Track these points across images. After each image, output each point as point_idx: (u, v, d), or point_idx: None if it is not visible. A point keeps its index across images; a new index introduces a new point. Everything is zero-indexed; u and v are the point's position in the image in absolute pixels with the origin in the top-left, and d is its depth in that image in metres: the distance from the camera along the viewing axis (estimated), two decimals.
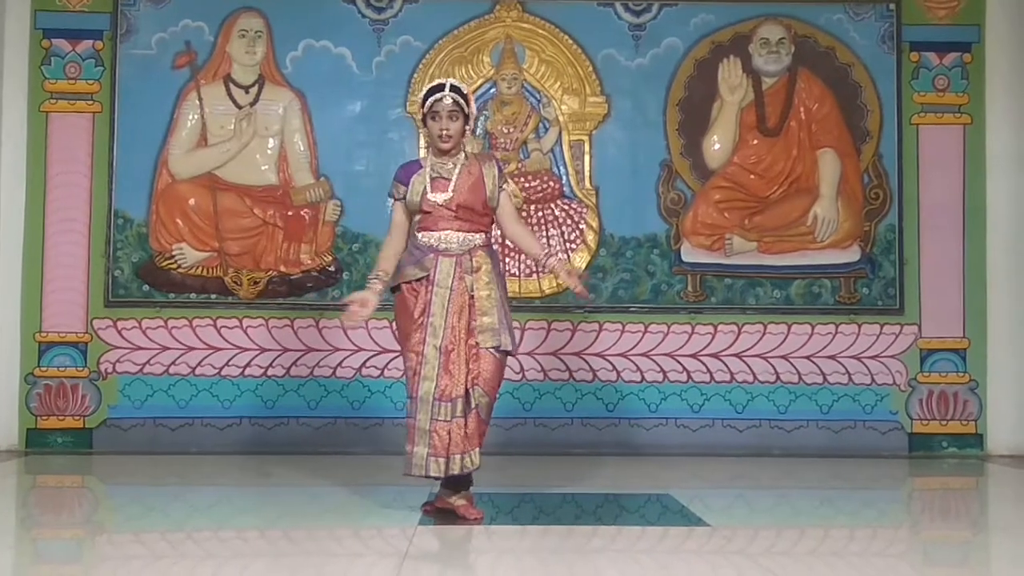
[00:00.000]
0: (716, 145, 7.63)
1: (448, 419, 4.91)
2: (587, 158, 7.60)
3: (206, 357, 7.43)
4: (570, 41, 7.64)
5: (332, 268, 7.53)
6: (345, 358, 7.44)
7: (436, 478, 4.98)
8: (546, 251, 5.31)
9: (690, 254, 7.57)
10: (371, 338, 7.43)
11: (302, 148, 7.58)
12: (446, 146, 5.07)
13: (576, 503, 5.66)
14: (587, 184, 7.59)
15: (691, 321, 7.52)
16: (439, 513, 5.06)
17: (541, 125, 7.63)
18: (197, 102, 7.54)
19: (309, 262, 7.53)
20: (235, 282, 7.49)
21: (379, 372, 7.42)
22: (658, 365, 7.50)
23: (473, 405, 4.96)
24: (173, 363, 7.42)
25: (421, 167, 5.14)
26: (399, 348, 7.19)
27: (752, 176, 7.61)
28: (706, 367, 7.51)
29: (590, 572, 4.28)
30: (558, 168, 7.60)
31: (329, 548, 4.65)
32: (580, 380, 7.48)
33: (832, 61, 7.64)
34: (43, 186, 7.42)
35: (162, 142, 7.49)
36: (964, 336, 7.52)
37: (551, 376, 7.47)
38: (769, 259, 7.57)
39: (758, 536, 4.90)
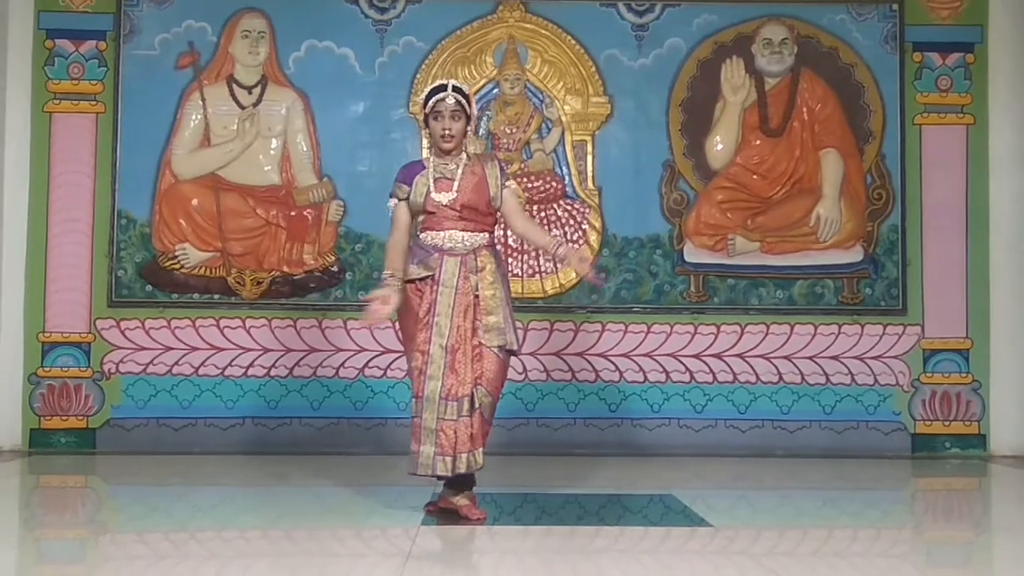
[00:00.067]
0: (719, 145, 7.63)
1: (455, 418, 4.92)
2: (590, 158, 7.60)
3: (209, 357, 7.44)
4: (573, 41, 7.64)
5: (335, 268, 7.53)
6: (348, 358, 7.45)
7: (443, 477, 4.98)
8: (556, 241, 5.32)
9: (693, 254, 7.57)
10: (374, 338, 7.44)
11: (305, 148, 7.58)
12: (448, 146, 5.08)
13: (579, 503, 5.66)
14: (590, 184, 7.59)
15: (694, 321, 7.52)
16: (442, 513, 5.06)
17: (544, 125, 7.63)
18: (200, 102, 7.54)
19: (312, 262, 7.54)
20: (238, 282, 7.50)
21: (382, 372, 7.43)
22: (661, 365, 7.50)
23: (476, 405, 4.96)
24: (176, 363, 7.42)
25: (424, 167, 5.14)
26: (402, 348, 7.27)
27: (755, 176, 7.61)
28: (709, 367, 7.51)
29: (593, 572, 4.28)
30: (561, 168, 7.60)
31: (332, 548, 4.65)
32: (583, 380, 7.48)
33: (835, 61, 7.64)
34: (46, 186, 7.43)
35: (165, 142, 7.50)
36: (967, 336, 7.52)
37: (554, 376, 7.48)
38: (772, 259, 7.57)
39: (761, 537, 4.90)
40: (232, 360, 7.44)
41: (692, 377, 7.49)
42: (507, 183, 5.17)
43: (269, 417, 7.41)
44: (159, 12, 7.54)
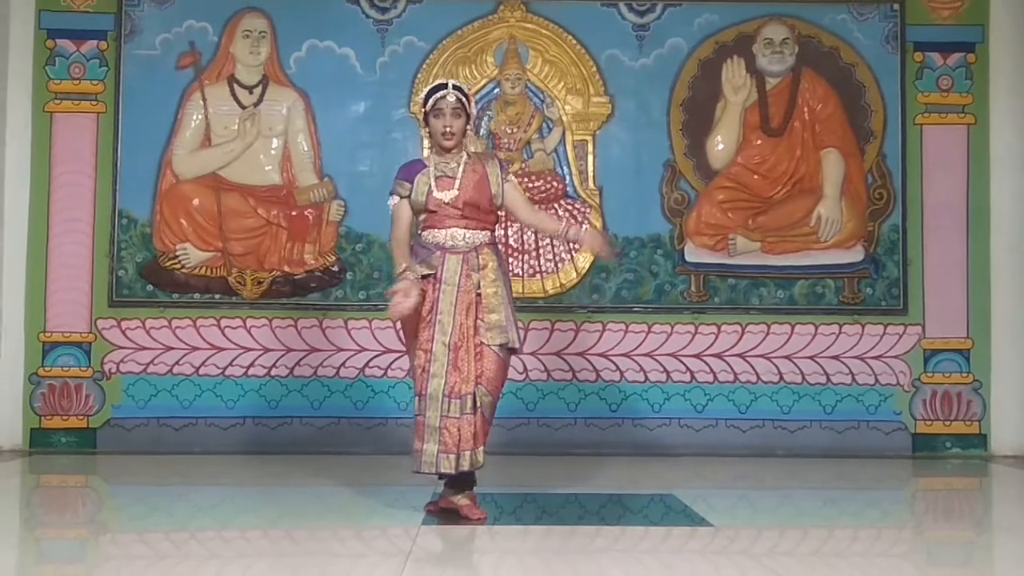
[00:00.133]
0: (720, 145, 7.63)
1: (458, 415, 4.93)
2: (591, 158, 7.60)
3: (210, 357, 7.44)
4: (574, 41, 7.64)
5: (336, 268, 7.53)
6: (348, 358, 7.45)
7: (446, 475, 4.98)
8: (565, 224, 5.32)
9: (694, 254, 7.57)
10: (374, 338, 7.44)
11: (306, 148, 7.58)
12: (450, 143, 5.09)
13: (579, 503, 5.66)
14: (591, 184, 7.59)
15: (694, 321, 7.52)
16: (443, 513, 5.06)
17: (545, 125, 7.63)
18: (201, 102, 7.54)
19: (313, 262, 7.54)
20: (239, 282, 7.50)
21: (382, 372, 7.43)
22: (661, 365, 7.50)
23: (477, 405, 4.97)
24: (177, 363, 7.42)
25: (424, 166, 5.15)
26: (402, 348, 7.27)
27: (756, 176, 7.61)
28: (709, 367, 7.51)
29: (593, 572, 4.28)
30: (561, 168, 7.60)
31: (332, 548, 4.65)
32: (583, 380, 7.48)
33: (836, 61, 7.64)
34: (47, 186, 7.43)
35: (166, 142, 7.50)
36: (968, 336, 7.51)
37: (554, 376, 7.48)
38: (773, 259, 7.57)
39: (761, 536, 4.90)
40: (233, 360, 7.44)
41: (693, 377, 7.49)
42: (508, 177, 5.18)
43: (270, 417, 7.41)
44: (160, 12, 7.54)
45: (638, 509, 5.67)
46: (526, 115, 7.62)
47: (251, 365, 7.44)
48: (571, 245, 7.40)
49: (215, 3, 7.58)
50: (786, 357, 7.51)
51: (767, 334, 7.52)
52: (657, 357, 7.50)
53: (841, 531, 5.15)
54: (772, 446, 7.42)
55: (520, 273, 7.47)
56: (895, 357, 7.52)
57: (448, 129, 5.07)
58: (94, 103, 7.49)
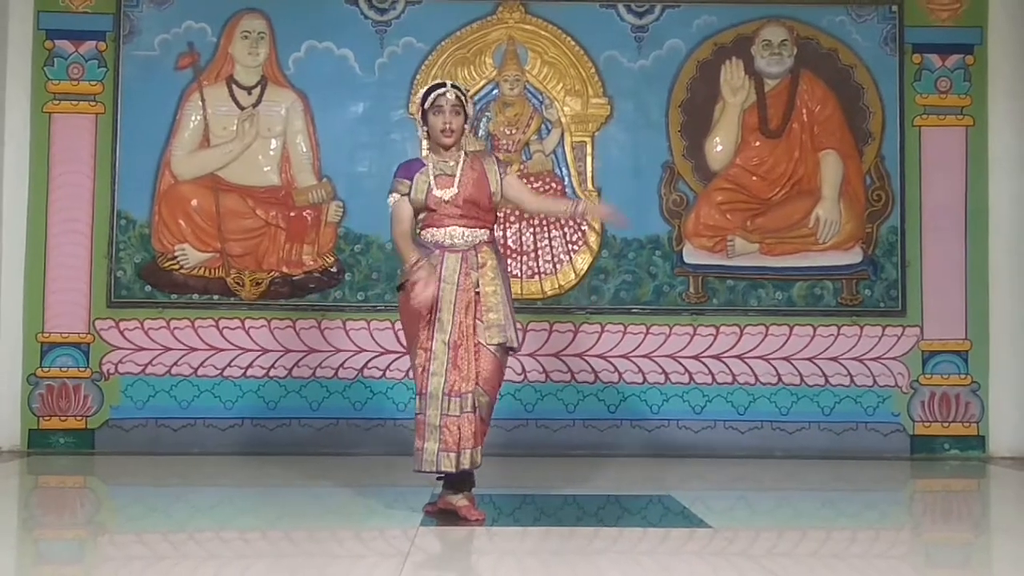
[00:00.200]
0: (718, 147, 7.63)
1: (458, 414, 4.93)
2: (589, 159, 7.60)
3: (208, 358, 7.44)
4: (572, 43, 7.64)
5: (334, 269, 7.53)
6: (347, 359, 7.45)
7: (447, 473, 4.98)
8: (573, 203, 5.32)
9: (692, 256, 7.57)
10: (373, 339, 7.44)
11: (304, 149, 7.58)
12: (449, 141, 5.10)
13: (578, 504, 5.66)
14: (589, 185, 7.59)
15: (693, 323, 7.52)
16: (441, 514, 5.06)
17: (543, 127, 7.63)
18: (200, 103, 7.54)
19: (311, 263, 7.54)
20: (237, 283, 7.50)
21: (381, 373, 7.43)
22: (660, 366, 7.50)
23: (475, 404, 4.97)
24: (175, 364, 7.42)
25: (423, 165, 5.15)
26: (401, 349, 7.28)
27: (754, 178, 7.62)
28: (708, 369, 7.51)
29: (592, 573, 4.28)
30: (560, 170, 7.60)
31: (331, 549, 4.65)
32: (582, 381, 7.48)
33: (834, 63, 7.64)
34: (46, 187, 7.43)
35: (165, 143, 7.50)
36: (966, 338, 7.52)
37: (553, 377, 7.48)
38: (771, 261, 7.57)
39: (760, 538, 4.90)
40: (231, 361, 7.44)
41: (691, 378, 7.49)
42: (506, 171, 5.19)
43: (268, 418, 7.41)
44: (159, 13, 7.54)
45: (636, 510, 5.67)
46: (525, 116, 7.62)
47: (250, 366, 7.43)
48: (579, 226, 7.42)
49: (214, 4, 7.58)
50: (784, 358, 7.51)
51: (765, 335, 7.52)
52: (655, 358, 7.50)
53: (839, 532, 5.15)
54: (770, 447, 7.43)
55: (519, 274, 7.48)
56: (893, 359, 7.52)
57: (448, 126, 5.08)
58: (93, 104, 7.49)
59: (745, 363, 7.51)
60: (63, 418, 7.36)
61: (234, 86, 7.58)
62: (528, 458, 7.18)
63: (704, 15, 7.64)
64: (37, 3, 7.48)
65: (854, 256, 7.58)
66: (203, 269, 7.50)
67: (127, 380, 7.41)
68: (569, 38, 7.64)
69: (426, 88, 5.22)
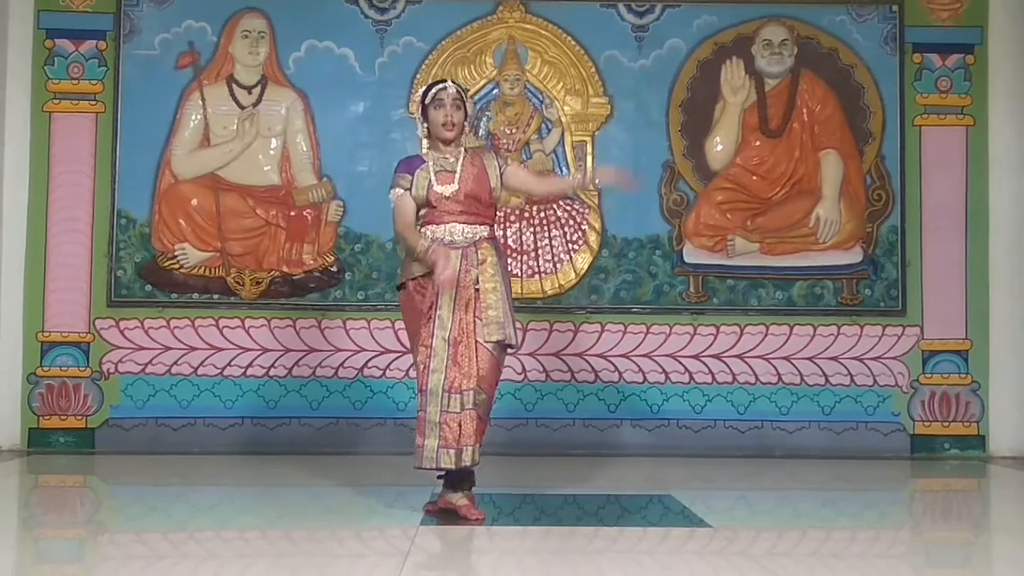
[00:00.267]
0: (718, 146, 7.63)
1: (458, 411, 4.92)
2: (589, 159, 7.59)
3: (208, 357, 7.44)
4: (573, 42, 7.64)
5: (334, 268, 7.53)
6: (347, 358, 7.45)
7: (447, 470, 4.97)
8: (579, 177, 5.31)
9: (692, 255, 7.57)
10: (373, 338, 7.44)
11: (305, 148, 7.58)
12: (450, 135, 5.11)
13: (578, 504, 5.66)
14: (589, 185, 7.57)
15: (693, 322, 7.52)
16: (441, 513, 5.06)
17: (544, 126, 7.63)
18: (200, 102, 7.54)
19: (311, 262, 7.54)
20: (237, 282, 7.50)
21: (381, 372, 7.43)
22: (660, 366, 7.50)
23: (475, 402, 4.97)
24: (175, 363, 7.42)
25: (424, 162, 5.16)
26: (401, 348, 7.29)
27: (754, 177, 7.62)
28: (708, 368, 7.51)
29: (592, 573, 4.28)
30: (560, 169, 7.59)
31: (331, 548, 4.65)
32: (582, 381, 7.48)
33: (835, 62, 7.64)
34: (46, 186, 7.43)
35: (165, 142, 7.50)
36: (966, 338, 7.52)
37: (553, 377, 7.47)
38: (771, 260, 7.57)
39: (760, 537, 4.90)
40: (231, 360, 7.44)
41: (691, 378, 7.49)
42: (506, 164, 5.21)
43: (268, 417, 7.41)
44: (159, 12, 7.54)
45: (636, 510, 5.67)
46: (525, 116, 7.62)
47: (250, 365, 7.43)
48: (579, 225, 7.42)
49: (214, 3, 7.58)
50: (785, 358, 7.51)
51: (766, 335, 7.52)
52: (656, 358, 7.50)
53: (839, 532, 5.15)
54: (770, 447, 7.42)
55: (519, 274, 7.47)
56: (894, 358, 7.52)
57: (449, 119, 5.10)
58: (93, 103, 7.49)
59: (745, 363, 7.51)
60: (63, 417, 7.37)
61: (234, 85, 7.58)
62: (528, 457, 7.18)
63: (704, 15, 7.63)
64: (37, 2, 7.48)
65: (854, 256, 7.58)
66: (203, 268, 7.50)
67: (127, 379, 7.41)
68: (569, 37, 7.64)
69: (424, 88, 5.25)
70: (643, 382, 7.48)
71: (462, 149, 5.18)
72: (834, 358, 7.52)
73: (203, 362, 7.43)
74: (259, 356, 7.44)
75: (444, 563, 4.44)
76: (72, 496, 6.32)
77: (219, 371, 7.42)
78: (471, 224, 5.07)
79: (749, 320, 7.53)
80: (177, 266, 7.48)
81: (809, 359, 7.51)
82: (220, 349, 7.44)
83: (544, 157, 7.58)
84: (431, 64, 7.58)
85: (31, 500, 6.07)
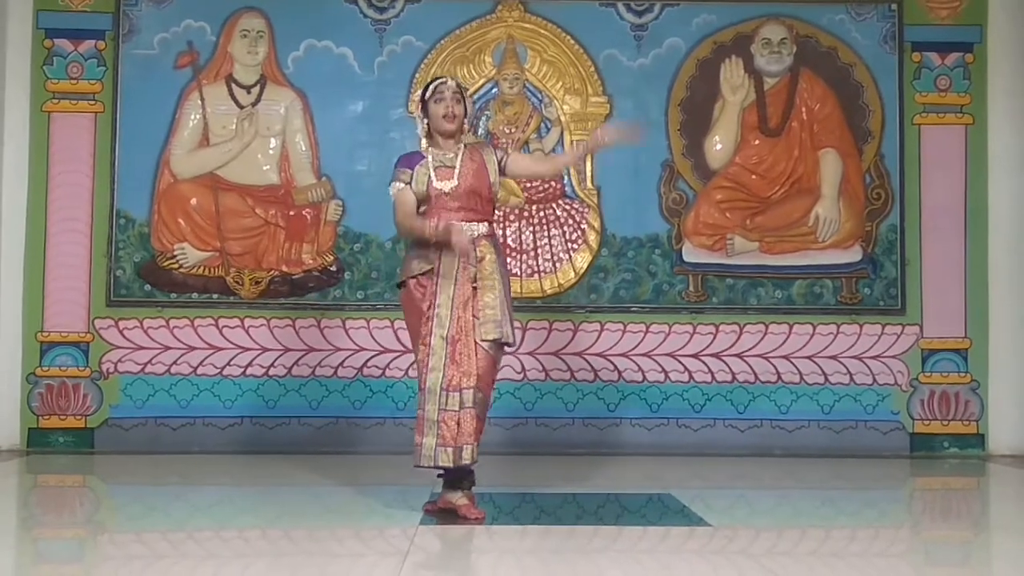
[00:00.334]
0: (718, 145, 7.63)
1: (456, 409, 4.92)
2: (589, 158, 7.59)
3: (208, 357, 7.43)
4: (572, 41, 7.64)
5: (334, 268, 7.53)
6: (347, 358, 7.45)
7: (445, 468, 4.97)
8: (582, 144, 5.29)
9: (692, 254, 7.57)
10: (372, 338, 7.44)
11: (304, 148, 7.58)
12: (451, 127, 5.11)
13: (577, 503, 5.66)
14: (588, 184, 7.59)
15: (693, 321, 7.52)
16: (441, 513, 5.06)
17: (543, 125, 7.63)
18: (199, 102, 7.54)
19: (311, 262, 7.54)
20: (237, 282, 7.50)
21: (380, 372, 7.43)
22: (660, 365, 7.50)
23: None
24: (175, 363, 7.42)
25: (423, 158, 5.16)
26: (400, 348, 7.29)
27: (754, 176, 7.62)
28: (707, 367, 7.51)
29: (592, 572, 4.28)
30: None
31: (330, 548, 4.65)
32: (581, 380, 7.48)
33: (834, 61, 7.64)
34: (45, 186, 7.43)
35: (164, 142, 7.50)
36: (966, 336, 7.52)
37: (552, 376, 7.47)
38: (771, 259, 7.57)
39: (759, 536, 4.90)
40: (230, 360, 7.43)
41: (691, 377, 7.50)
42: (507, 154, 5.23)
43: (267, 416, 7.41)
44: (158, 11, 7.54)
45: (636, 509, 5.67)
46: (524, 115, 7.62)
47: (249, 365, 7.43)
48: (579, 224, 7.41)
49: (213, 3, 7.58)
50: (784, 357, 7.51)
51: (765, 334, 7.52)
52: (655, 357, 7.50)
53: (839, 531, 5.15)
54: (770, 446, 7.43)
55: (518, 273, 7.47)
56: (893, 357, 7.52)
57: (449, 111, 5.10)
58: (92, 103, 7.49)
59: (744, 361, 7.51)
60: (63, 417, 7.37)
61: (233, 85, 7.58)
62: (528, 456, 7.18)
63: (703, 13, 7.63)
64: (36, 2, 7.48)
65: (853, 254, 7.58)
66: (202, 268, 7.50)
67: (126, 379, 7.41)
68: (568, 37, 7.64)
69: (424, 86, 5.26)
70: (642, 381, 7.48)
71: (462, 145, 5.18)
72: (833, 357, 7.52)
73: (202, 362, 7.43)
74: (258, 356, 7.44)
75: (444, 562, 4.44)
76: (71, 496, 6.32)
77: (218, 371, 7.42)
78: (469, 222, 5.07)
79: (748, 319, 7.53)
80: (176, 266, 7.48)
81: (808, 358, 7.51)
82: (219, 349, 7.44)
83: (543, 156, 7.57)
84: (430, 63, 7.58)
85: (31, 500, 6.07)
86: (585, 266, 7.54)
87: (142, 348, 7.42)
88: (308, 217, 7.55)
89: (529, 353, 7.38)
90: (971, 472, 7.05)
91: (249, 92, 7.58)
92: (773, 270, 7.57)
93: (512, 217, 7.55)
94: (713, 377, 7.50)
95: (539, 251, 7.55)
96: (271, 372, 7.43)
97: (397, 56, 7.59)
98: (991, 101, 7.60)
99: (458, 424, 4.92)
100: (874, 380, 7.50)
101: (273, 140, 7.57)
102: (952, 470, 7.14)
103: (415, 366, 5.12)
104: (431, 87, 5.18)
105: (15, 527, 5.12)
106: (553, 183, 7.56)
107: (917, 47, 7.63)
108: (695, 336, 7.52)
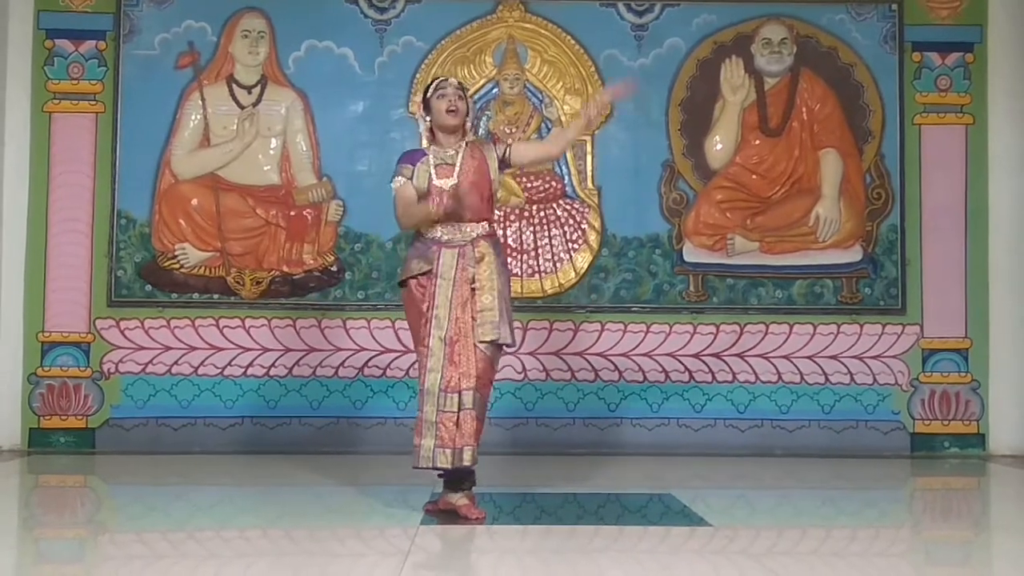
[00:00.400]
0: (718, 145, 7.63)
1: (455, 410, 4.92)
2: (589, 158, 7.60)
3: (208, 357, 7.44)
4: (572, 41, 7.65)
5: (334, 268, 7.54)
6: (347, 358, 7.45)
7: (444, 469, 4.97)
8: (583, 115, 5.27)
9: (692, 254, 7.57)
10: (373, 338, 7.45)
11: (304, 148, 7.59)
12: (454, 122, 5.11)
13: (578, 503, 5.67)
14: (589, 184, 7.59)
15: (693, 321, 7.52)
16: (441, 513, 5.06)
17: (543, 125, 7.63)
18: (200, 102, 7.55)
19: (311, 262, 7.54)
20: (237, 282, 7.50)
21: (381, 372, 7.43)
22: (660, 365, 7.50)
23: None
24: (175, 363, 7.43)
25: (425, 155, 5.17)
26: (401, 348, 7.30)
27: (754, 176, 7.62)
28: (708, 367, 7.51)
29: (592, 572, 4.28)
30: (560, 168, 7.60)
31: (331, 548, 4.65)
32: (582, 380, 7.48)
33: (834, 61, 7.64)
34: (46, 186, 7.43)
35: (165, 142, 7.50)
36: (966, 336, 7.52)
37: (553, 376, 7.48)
38: (771, 259, 7.58)
39: (760, 536, 4.90)
40: (231, 360, 7.44)
41: (691, 377, 7.50)
42: (509, 146, 5.24)
43: (268, 417, 7.41)
44: (159, 12, 7.54)
45: (636, 509, 5.67)
46: (525, 115, 7.62)
47: (250, 365, 7.44)
48: (579, 224, 7.41)
49: (214, 3, 7.58)
50: (784, 357, 7.51)
51: (765, 334, 7.52)
52: (655, 357, 7.51)
53: (839, 531, 5.15)
54: (770, 446, 7.43)
55: (519, 273, 7.48)
56: (893, 357, 7.52)
57: (452, 105, 5.10)
58: (93, 103, 7.50)
59: (745, 361, 7.52)
60: (64, 417, 7.37)
61: (234, 85, 7.59)
62: (528, 456, 7.18)
63: (704, 13, 7.64)
64: (37, 2, 7.48)
65: (854, 254, 7.58)
66: (203, 268, 7.51)
67: (127, 379, 7.41)
68: (569, 37, 7.64)
69: (425, 87, 5.27)
70: (643, 381, 7.48)
71: (463, 143, 5.18)
72: (834, 357, 7.52)
73: (203, 362, 7.43)
74: (259, 356, 7.45)
75: (444, 562, 4.44)
76: (72, 496, 6.33)
77: (219, 371, 7.43)
78: (468, 221, 5.07)
79: (749, 319, 7.53)
80: (177, 266, 7.49)
81: (809, 358, 7.52)
82: (220, 349, 7.45)
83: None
84: (431, 64, 7.58)
85: (31, 500, 6.07)
86: (586, 266, 7.55)
87: (143, 348, 7.43)
88: (309, 217, 7.56)
89: (530, 353, 7.39)
90: (972, 472, 7.05)
91: (250, 92, 7.59)
92: (773, 270, 7.57)
93: (512, 217, 7.55)
94: (714, 377, 7.50)
95: (540, 251, 7.56)
96: (272, 372, 7.44)
97: (398, 56, 7.60)
98: (991, 101, 7.60)
99: (457, 425, 4.92)
100: (874, 380, 7.51)
101: (274, 140, 7.58)
102: (953, 470, 7.14)
103: (417, 366, 5.12)
104: (433, 84, 5.20)
105: (16, 527, 5.13)
106: (554, 183, 7.57)
107: (917, 47, 7.64)
108: (696, 336, 7.52)
